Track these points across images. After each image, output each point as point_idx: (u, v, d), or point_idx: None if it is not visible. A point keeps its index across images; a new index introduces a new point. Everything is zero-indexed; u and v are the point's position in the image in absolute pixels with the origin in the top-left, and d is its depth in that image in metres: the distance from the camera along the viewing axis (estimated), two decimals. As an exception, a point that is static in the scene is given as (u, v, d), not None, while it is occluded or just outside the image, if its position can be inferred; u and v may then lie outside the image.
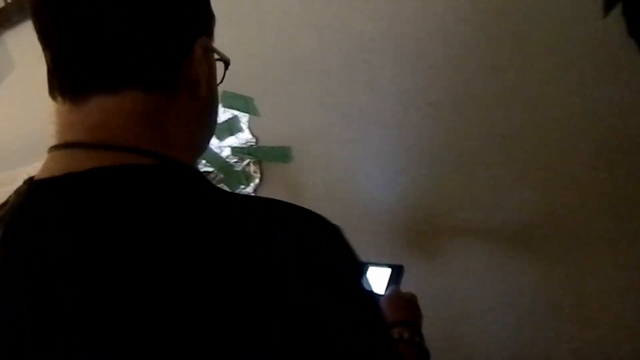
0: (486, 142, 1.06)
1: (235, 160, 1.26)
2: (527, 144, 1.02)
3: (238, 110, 1.21)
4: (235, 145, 1.25)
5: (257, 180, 1.26)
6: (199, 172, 0.48)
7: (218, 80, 0.55)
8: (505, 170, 1.04)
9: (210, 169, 1.29)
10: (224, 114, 1.23)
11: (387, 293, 0.87)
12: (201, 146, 0.54)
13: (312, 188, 1.23)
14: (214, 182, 1.29)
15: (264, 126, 1.22)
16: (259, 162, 1.25)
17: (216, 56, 0.52)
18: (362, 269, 0.45)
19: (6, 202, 0.46)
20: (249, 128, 1.22)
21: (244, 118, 1.22)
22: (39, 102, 1.33)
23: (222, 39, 1.13)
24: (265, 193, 1.27)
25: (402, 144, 1.12)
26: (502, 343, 1.06)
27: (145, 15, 0.44)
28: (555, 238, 1.02)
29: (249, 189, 1.28)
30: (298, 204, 1.29)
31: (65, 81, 0.44)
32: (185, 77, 0.47)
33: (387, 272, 0.95)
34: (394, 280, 0.92)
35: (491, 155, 1.05)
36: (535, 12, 0.97)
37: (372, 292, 0.46)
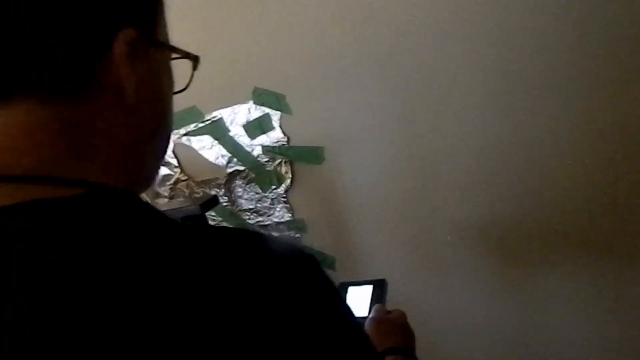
0: (535, 147, 0.97)
1: (267, 159, 1.22)
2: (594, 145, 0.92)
3: (269, 107, 1.17)
4: (266, 144, 1.20)
5: (288, 181, 1.22)
6: (134, 197, 0.39)
7: (182, 84, 0.46)
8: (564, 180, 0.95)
9: (242, 168, 1.26)
10: (255, 111, 1.19)
11: (371, 315, 0.77)
12: (148, 170, 0.44)
13: (345, 190, 1.17)
14: (245, 181, 1.26)
15: (295, 125, 1.17)
16: (290, 163, 1.20)
17: (175, 54, 0.43)
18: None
19: None
20: (281, 126, 1.18)
21: (275, 116, 1.17)
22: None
23: (255, 34, 1.09)
24: (296, 194, 1.23)
25: (439, 148, 1.04)
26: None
27: (41, 3, 0.34)
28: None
29: (280, 190, 1.23)
30: (331, 206, 1.22)
31: None
32: (106, 82, 0.37)
33: (368, 289, 0.86)
34: (378, 297, 0.84)
35: (546, 160, 0.96)
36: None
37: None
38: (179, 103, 1.41)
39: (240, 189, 1.29)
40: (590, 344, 1.03)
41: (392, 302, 1.20)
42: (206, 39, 1.18)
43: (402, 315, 0.77)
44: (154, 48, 0.41)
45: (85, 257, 0.32)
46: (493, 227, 1.05)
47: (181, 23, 1.17)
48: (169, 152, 1.34)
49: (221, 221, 1.34)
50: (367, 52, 1.04)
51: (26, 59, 0.34)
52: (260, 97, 1.17)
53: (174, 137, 1.32)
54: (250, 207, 1.29)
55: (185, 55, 0.45)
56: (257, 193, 1.27)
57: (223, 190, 1.30)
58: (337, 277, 1.26)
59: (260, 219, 1.29)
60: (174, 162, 1.34)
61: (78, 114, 0.37)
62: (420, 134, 1.05)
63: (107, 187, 0.37)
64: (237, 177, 1.28)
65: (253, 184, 1.26)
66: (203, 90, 1.22)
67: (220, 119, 1.23)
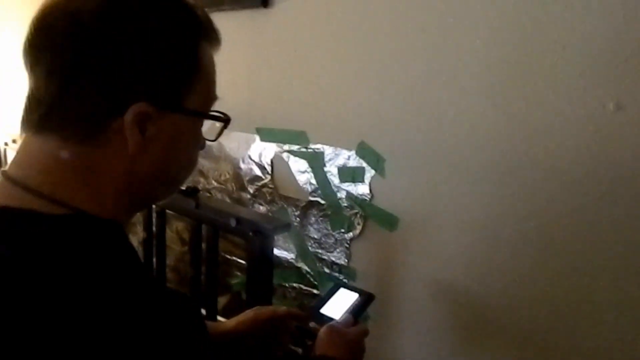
0: None
1: (346, 205, 1.30)
2: None
3: (367, 163, 1.24)
4: (351, 191, 1.28)
5: (357, 232, 1.29)
6: (114, 228, 0.52)
7: (211, 137, 0.59)
8: None
9: (322, 202, 1.35)
10: (353, 161, 1.27)
11: (333, 322, 0.86)
12: (138, 207, 0.57)
13: (404, 265, 1.22)
14: (320, 214, 1.34)
15: (384, 188, 1.23)
16: (365, 217, 1.27)
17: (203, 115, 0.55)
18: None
19: None
20: (370, 184, 1.25)
21: (369, 172, 1.24)
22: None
23: (377, 95, 1.15)
24: (359, 246, 1.30)
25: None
26: None
27: (73, 75, 0.47)
28: None
29: (347, 236, 1.31)
30: (387, 273, 1.31)
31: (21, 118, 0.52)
32: (116, 136, 0.49)
33: (353, 297, 0.94)
34: (355, 308, 0.91)
35: None
36: None
37: None
38: (293, 124, 1.55)
39: (313, 218, 1.38)
40: None
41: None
42: (330, 85, 1.27)
43: (360, 333, 0.85)
44: (176, 114, 0.52)
45: (30, 262, 0.43)
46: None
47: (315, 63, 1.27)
48: (267, 159, 1.46)
49: (286, 236, 1.45)
50: (483, 146, 1.07)
51: (54, 108, 0.48)
52: (363, 151, 1.24)
53: (277, 149, 1.43)
54: (315, 236, 1.39)
55: (215, 118, 0.57)
56: (326, 228, 1.36)
57: (299, 212, 1.41)
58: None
59: (320, 250, 1.38)
60: (269, 169, 1.46)
61: (88, 154, 0.49)
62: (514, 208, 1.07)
63: (89, 215, 0.49)
64: (315, 208, 1.37)
65: (326, 219, 1.35)
66: (317, 124, 1.33)
67: (322, 153, 1.33)
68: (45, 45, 0.48)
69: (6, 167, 0.52)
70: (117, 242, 0.52)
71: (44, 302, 0.41)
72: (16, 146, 1.99)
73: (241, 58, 1.49)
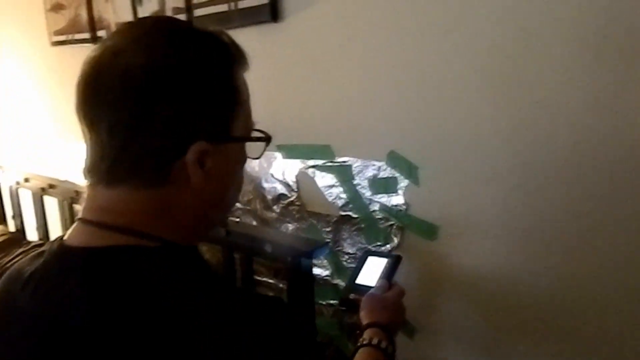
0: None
1: (380, 217, 1.26)
2: None
3: (399, 173, 1.20)
4: (384, 203, 1.24)
5: (394, 244, 1.25)
6: (195, 252, 0.58)
7: (256, 154, 0.61)
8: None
9: (355, 216, 1.31)
10: (384, 171, 1.23)
11: (371, 290, 0.94)
12: (206, 229, 0.62)
13: (447, 275, 1.18)
14: (354, 228, 1.30)
15: (419, 196, 1.19)
16: (402, 228, 1.23)
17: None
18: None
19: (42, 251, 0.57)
20: (404, 194, 1.21)
21: (402, 182, 1.20)
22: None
23: (404, 103, 1.10)
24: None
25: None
26: None
27: (134, 129, 0.50)
28: None
29: (384, 249, 1.27)
30: (426, 282, 1.30)
31: (84, 168, 0.55)
32: (179, 174, 0.53)
33: (383, 262, 1.02)
34: (387, 272, 0.99)
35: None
36: None
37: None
38: (316, 138, 1.51)
39: (346, 233, 1.34)
40: None
41: None
42: (351, 95, 1.23)
43: (396, 295, 0.94)
44: (227, 143, 0.56)
45: (140, 290, 0.48)
46: None
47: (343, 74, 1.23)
48: (291, 176, 1.42)
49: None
50: (516, 151, 1.03)
51: (120, 161, 0.51)
52: (394, 161, 1.20)
53: (301, 165, 1.39)
54: (350, 251, 1.35)
55: (258, 139, 0.61)
56: (361, 242, 1.32)
57: (330, 227, 1.37)
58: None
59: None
60: (294, 186, 1.42)
61: (157, 196, 0.53)
62: (544, 230, 1.03)
63: (174, 244, 0.54)
64: (347, 222, 1.33)
65: (360, 233, 1.31)
66: (341, 136, 1.29)
67: (349, 166, 1.29)
68: (102, 104, 0.51)
69: (80, 215, 0.56)
70: (205, 265, 0.60)
71: (178, 322, 0.47)
72: (29, 185, 1.95)
73: (255, 75, 1.43)
